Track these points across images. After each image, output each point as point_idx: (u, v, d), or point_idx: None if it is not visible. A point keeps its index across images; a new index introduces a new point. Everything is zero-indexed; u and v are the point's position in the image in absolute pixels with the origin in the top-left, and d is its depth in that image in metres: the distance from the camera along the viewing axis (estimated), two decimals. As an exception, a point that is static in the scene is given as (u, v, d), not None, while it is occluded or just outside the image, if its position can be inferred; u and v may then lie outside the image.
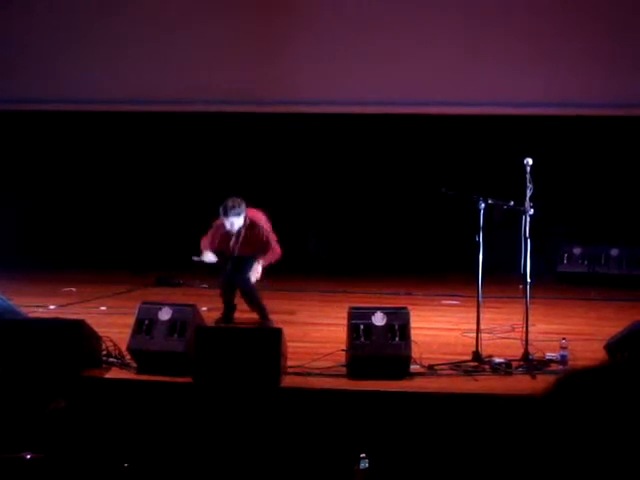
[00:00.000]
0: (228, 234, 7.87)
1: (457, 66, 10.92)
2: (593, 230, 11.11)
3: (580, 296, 9.62)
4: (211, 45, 11.29)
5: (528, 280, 6.45)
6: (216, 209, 11.85)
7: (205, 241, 8.00)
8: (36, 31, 11.62)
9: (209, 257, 7.88)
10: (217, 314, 7.96)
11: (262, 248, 7.87)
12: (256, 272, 7.73)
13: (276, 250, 7.91)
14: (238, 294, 7.96)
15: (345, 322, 6.38)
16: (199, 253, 7.93)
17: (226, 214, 7.73)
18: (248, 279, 7.76)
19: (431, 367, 6.16)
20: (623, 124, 10.99)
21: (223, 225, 7.83)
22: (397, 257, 11.20)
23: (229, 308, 7.99)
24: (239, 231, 7.87)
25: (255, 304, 7.96)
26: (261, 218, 8.06)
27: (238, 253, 7.90)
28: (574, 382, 1.25)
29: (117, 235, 11.98)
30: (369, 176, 11.61)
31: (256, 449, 5.38)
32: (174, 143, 12.01)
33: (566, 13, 10.82)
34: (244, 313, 8.49)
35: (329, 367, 6.13)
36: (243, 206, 7.79)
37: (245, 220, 7.85)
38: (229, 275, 7.87)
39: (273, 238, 7.98)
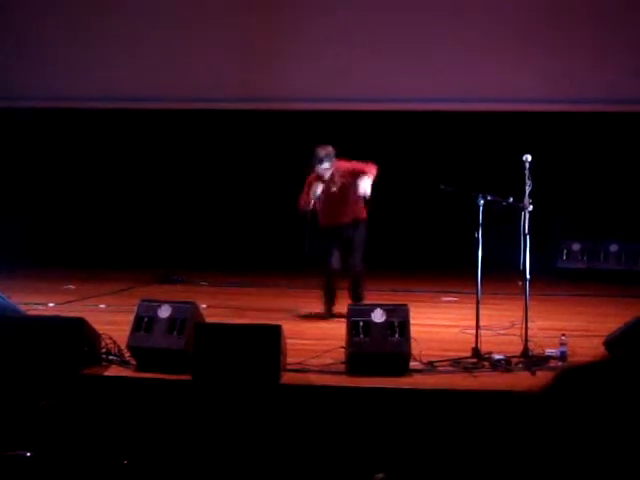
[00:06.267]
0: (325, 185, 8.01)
1: (455, 63, 10.91)
2: (592, 226, 11.11)
3: (579, 292, 9.62)
4: (209, 43, 11.29)
5: (527, 276, 6.45)
6: (215, 207, 11.90)
7: (303, 200, 8.07)
8: (34, 30, 11.61)
9: (317, 191, 7.94)
10: (216, 311, 7.95)
11: (357, 172, 7.95)
12: (367, 186, 7.82)
13: (370, 165, 7.97)
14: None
15: (344, 319, 6.38)
16: (302, 214, 7.98)
17: (321, 162, 7.91)
18: (361, 264, 8.06)
19: (431, 364, 6.16)
20: (621, 120, 10.99)
21: (316, 178, 7.97)
22: (396, 254, 11.20)
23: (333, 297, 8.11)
24: (332, 177, 8.02)
25: (361, 289, 8.11)
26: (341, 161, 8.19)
27: (339, 193, 8.01)
28: (572, 378, 1.25)
29: (117, 232, 11.98)
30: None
31: (256, 446, 5.38)
32: (174, 141, 12.01)
33: (564, 9, 10.82)
34: (243, 310, 8.50)
35: (329, 364, 6.13)
36: (332, 151, 7.99)
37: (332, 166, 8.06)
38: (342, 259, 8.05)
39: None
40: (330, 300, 8.14)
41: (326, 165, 7.95)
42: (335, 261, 8.10)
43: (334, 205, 8.07)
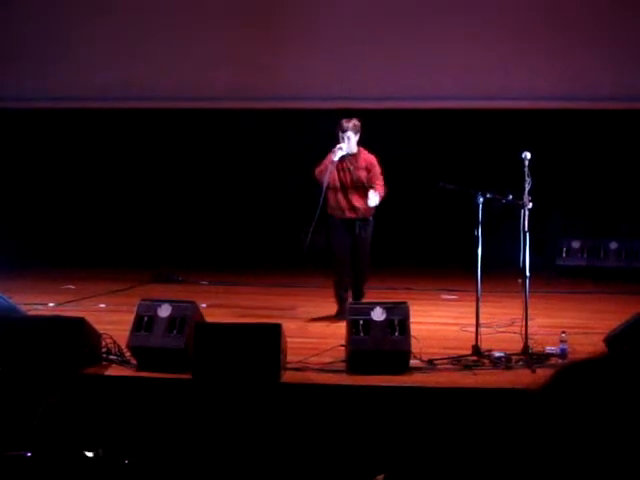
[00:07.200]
0: (341, 163, 7.97)
1: (455, 61, 10.91)
2: (592, 223, 11.10)
3: (579, 290, 9.62)
4: (208, 43, 11.29)
5: (527, 274, 6.45)
6: (214, 205, 11.89)
7: (319, 170, 8.02)
8: (32, 28, 11.61)
9: (344, 146, 7.90)
10: (216, 310, 7.95)
11: (376, 173, 8.01)
12: (375, 199, 7.84)
13: (383, 186, 8.01)
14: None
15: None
16: (320, 182, 7.94)
17: (345, 131, 7.90)
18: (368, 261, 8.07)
19: (431, 362, 6.16)
20: (621, 117, 10.98)
21: (334, 153, 7.89)
22: (396, 252, 11.19)
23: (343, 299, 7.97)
24: (355, 156, 8.01)
25: (364, 286, 8.07)
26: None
27: (355, 177, 8.00)
28: (572, 374, 1.25)
29: (117, 232, 11.98)
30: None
31: (256, 445, 5.38)
32: (172, 140, 12.01)
33: (565, 6, 10.81)
34: (243, 309, 8.50)
35: (329, 362, 6.13)
36: (358, 124, 7.98)
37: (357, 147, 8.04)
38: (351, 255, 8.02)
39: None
40: (344, 299, 7.93)
41: (349, 134, 7.93)
42: (347, 257, 8.04)
43: (351, 189, 8.03)
